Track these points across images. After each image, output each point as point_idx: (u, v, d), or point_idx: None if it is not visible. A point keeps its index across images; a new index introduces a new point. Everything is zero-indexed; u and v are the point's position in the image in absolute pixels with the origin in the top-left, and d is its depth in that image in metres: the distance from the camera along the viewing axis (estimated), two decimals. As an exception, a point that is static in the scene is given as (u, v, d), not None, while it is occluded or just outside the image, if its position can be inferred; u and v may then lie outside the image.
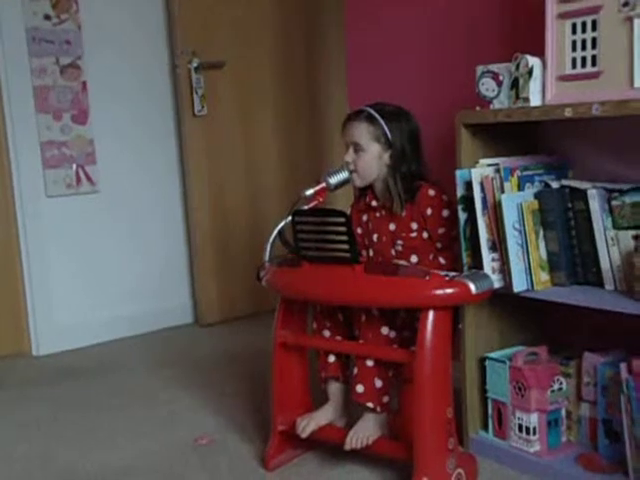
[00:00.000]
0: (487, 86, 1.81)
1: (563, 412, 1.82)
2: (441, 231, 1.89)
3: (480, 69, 1.82)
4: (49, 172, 3.08)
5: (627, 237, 1.63)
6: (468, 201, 1.79)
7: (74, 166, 3.13)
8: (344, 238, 1.71)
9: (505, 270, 1.74)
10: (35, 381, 2.77)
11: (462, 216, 1.81)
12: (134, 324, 3.29)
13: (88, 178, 3.17)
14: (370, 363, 1.81)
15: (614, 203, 1.65)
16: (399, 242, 1.92)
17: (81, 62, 3.11)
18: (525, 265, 1.72)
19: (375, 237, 1.97)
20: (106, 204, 3.23)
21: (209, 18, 3.24)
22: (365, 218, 2.00)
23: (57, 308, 3.14)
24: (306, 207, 1.92)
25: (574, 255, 1.73)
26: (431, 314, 1.66)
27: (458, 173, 1.80)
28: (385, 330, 1.81)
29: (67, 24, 3.07)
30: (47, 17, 3.02)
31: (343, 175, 1.94)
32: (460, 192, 1.80)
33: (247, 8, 3.38)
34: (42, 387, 2.70)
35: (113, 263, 3.27)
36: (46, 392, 2.64)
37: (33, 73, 3.01)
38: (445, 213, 1.89)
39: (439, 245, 1.90)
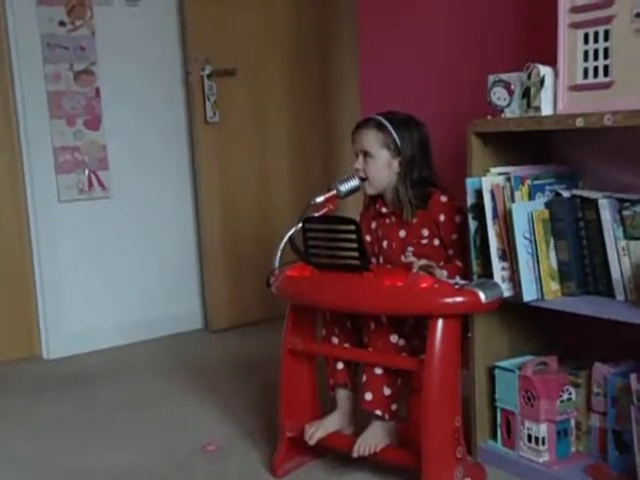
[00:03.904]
0: (499, 95, 1.81)
1: (572, 422, 1.82)
2: (454, 237, 1.89)
3: (492, 78, 1.83)
4: (62, 177, 3.10)
5: (638, 247, 1.62)
6: (478, 210, 1.79)
7: (86, 171, 3.15)
8: (354, 245, 1.71)
9: (515, 279, 1.73)
10: (45, 384, 2.79)
11: (472, 225, 1.81)
12: (144, 329, 3.30)
13: (100, 183, 3.19)
14: (379, 371, 1.81)
15: (625, 213, 1.64)
16: (409, 249, 1.92)
17: (95, 68, 3.14)
18: (535, 274, 1.72)
19: (385, 244, 1.97)
20: (118, 210, 3.25)
21: (222, 25, 3.26)
22: (374, 225, 2.01)
23: (68, 312, 3.16)
24: (316, 214, 1.93)
25: (585, 265, 1.72)
26: (440, 322, 1.65)
27: (469, 181, 1.80)
28: (394, 338, 1.81)
29: (81, 30, 3.10)
30: (62, 23, 3.05)
31: (353, 183, 1.94)
32: (470, 200, 1.80)
33: (260, 16, 3.40)
34: (52, 390, 2.71)
35: (124, 268, 3.28)
36: (56, 395, 2.65)
37: (47, 79, 3.04)
38: (458, 219, 1.89)
39: (451, 252, 1.90)
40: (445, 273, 1.79)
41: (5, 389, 2.76)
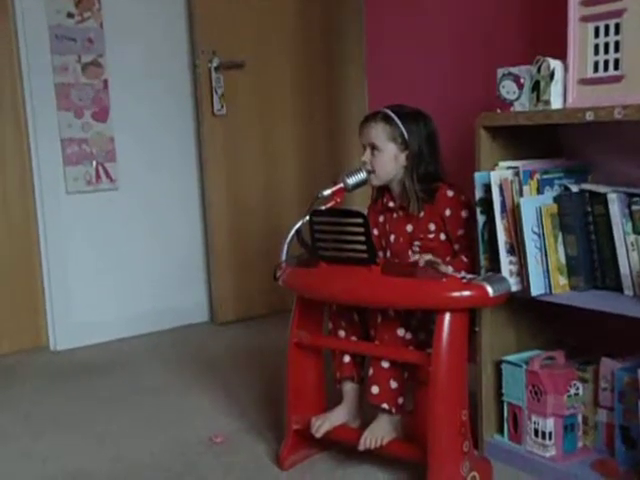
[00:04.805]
0: (508, 89, 1.80)
1: (579, 417, 1.81)
2: (460, 232, 1.89)
3: (501, 72, 1.82)
4: (69, 169, 3.11)
5: (647, 242, 1.61)
6: (486, 204, 1.78)
7: (94, 163, 3.16)
8: (362, 239, 1.71)
9: (523, 273, 1.73)
10: (52, 376, 2.80)
11: (480, 219, 1.80)
12: (150, 321, 3.31)
13: (107, 175, 3.20)
14: (385, 364, 1.81)
15: (634, 208, 1.63)
16: (416, 243, 1.92)
17: (102, 60, 3.14)
18: (543, 269, 1.72)
19: (392, 238, 1.97)
20: (125, 201, 3.25)
21: (230, 18, 3.26)
22: (382, 219, 2.00)
23: (75, 304, 3.17)
24: (323, 207, 1.92)
25: (593, 259, 1.71)
26: (447, 316, 1.65)
27: (477, 176, 1.80)
28: (401, 332, 1.81)
29: (89, 22, 3.10)
30: (70, 15, 3.05)
31: (361, 176, 1.94)
32: (479, 195, 1.79)
33: (267, 8, 3.39)
34: (58, 382, 2.72)
35: (131, 260, 3.29)
36: (62, 387, 2.66)
37: (55, 71, 3.04)
38: (464, 214, 1.88)
39: (457, 247, 1.90)
40: (451, 269, 1.78)
41: (12, 380, 2.77)
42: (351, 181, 1.94)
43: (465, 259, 1.87)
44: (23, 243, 3.10)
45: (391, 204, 1.98)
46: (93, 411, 2.41)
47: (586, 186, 1.76)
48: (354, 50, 3.53)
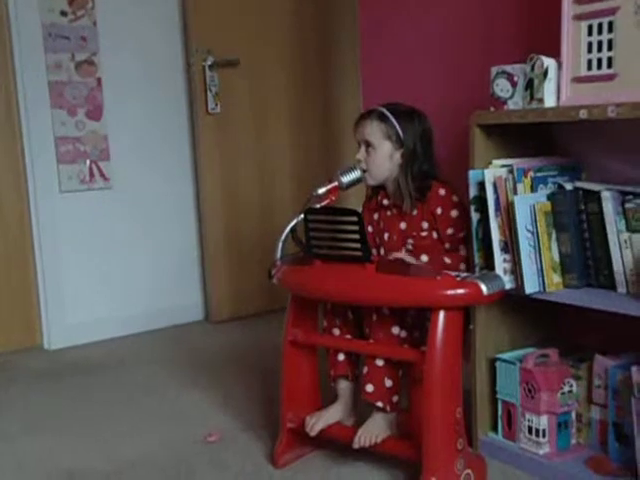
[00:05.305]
0: (502, 87, 1.81)
1: (573, 414, 1.82)
2: (449, 232, 1.89)
3: (495, 70, 1.82)
4: (63, 167, 3.10)
5: (640, 240, 1.62)
6: (481, 202, 1.78)
7: (88, 162, 3.15)
8: (356, 237, 1.71)
9: (517, 271, 1.73)
10: (46, 375, 2.79)
11: (474, 217, 1.81)
12: (145, 320, 3.31)
13: (101, 174, 3.19)
14: (380, 362, 1.81)
15: (628, 206, 1.64)
16: (410, 241, 1.92)
17: (96, 58, 3.13)
18: (537, 267, 1.72)
19: (386, 236, 1.97)
20: (119, 200, 3.25)
21: (224, 16, 3.25)
22: (376, 217, 2.01)
23: (69, 303, 3.16)
24: (318, 205, 1.92)
25: (587, 257, 1.72)
26: (442, 314, 1.65)
27: (471, 174, 1.80)
28: (396, 330, 1.81)
29: (83, 20, 3.09)
30: (63, 13, 3.04)
31: (355, 174, 1.94)
32: (473, 193, 1.80)
33: (262, 6, 3.39)
34: (52, 381, 2.71)
35: (125, 259, 3.29)
36: (56, 386, 2.66)
37: (48, 69, 3.03)
38: (454, 213, 1.89)
39: (447, 245, 1.90)
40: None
41: (6, 380, 2.76)
42: (345, 179, 1.94)
43: (448, 260, 1.85)
44: (17, 242, 3.09)
45: (385, 202, 1.98)
46: (88, 410, 2.41)
47: (580, 184, 1.76)
48: (349, 48, 3.53)
